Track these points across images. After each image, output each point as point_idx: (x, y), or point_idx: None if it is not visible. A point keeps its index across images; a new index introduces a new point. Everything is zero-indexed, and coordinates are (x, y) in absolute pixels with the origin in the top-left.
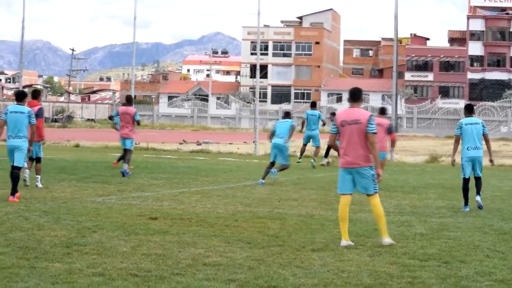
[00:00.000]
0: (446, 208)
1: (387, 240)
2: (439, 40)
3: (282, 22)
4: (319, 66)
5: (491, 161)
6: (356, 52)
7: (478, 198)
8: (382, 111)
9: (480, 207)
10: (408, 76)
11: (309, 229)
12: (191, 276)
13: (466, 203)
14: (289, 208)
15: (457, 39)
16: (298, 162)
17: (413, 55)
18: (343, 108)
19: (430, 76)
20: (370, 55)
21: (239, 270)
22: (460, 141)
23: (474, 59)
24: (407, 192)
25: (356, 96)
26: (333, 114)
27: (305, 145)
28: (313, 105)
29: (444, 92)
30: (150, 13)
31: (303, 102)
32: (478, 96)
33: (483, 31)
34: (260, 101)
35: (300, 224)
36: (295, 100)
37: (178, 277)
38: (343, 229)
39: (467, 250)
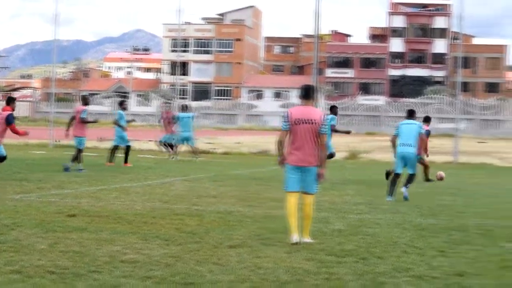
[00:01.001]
0: (365, 205)
1: (306, 240)
2: (360, 37)
3: (203, 19)
4: (240, 63)
5: (418, 155)
6: (277, 49)
7: (403, 189)
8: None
9: (405, 197)
10: (328, 72)
11: (226, 225)
12: (108, 273)
13: (390, 194)
14: (207, 205)
15: (378, 36)
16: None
17: (333, 52)
18: (264, 104)
19: (350, 73)
20: (291, 52)
21: (156, 267)
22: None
23: (395, 56)
24: (326, 188)
25: (309, 93)
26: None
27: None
28: (185, 108)
29: (365, 89)
30: (72, 10)
31: (224, 99)
32: (399, 93)
33: (404, 27)
34: (180, 98)
35: (218, 220)
36: (216, 97)
37: (95, 274)
38: (292, 224)
39: (385, 246)
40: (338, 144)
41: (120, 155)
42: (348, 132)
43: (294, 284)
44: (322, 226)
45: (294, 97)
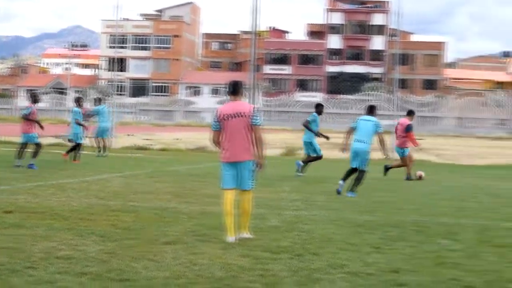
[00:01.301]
0: (301, 201)
1: (245, 235)
2: (298, 34)
3: (141, 15)
4: (177, 60)
5: (385, 155)
6: (215, 46)
7: (341, 182)
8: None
9: (338, 191)
10: (266, 69)
11: (162, 222)
12: (43, 269)
13: (343, 179)
14: (143, 201)
15: (316, 33)
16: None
17: (271, 48)
18: (201, 101)
19: (288, 70)
20: (229, 48)
21: (92, 263)
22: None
23: (333, 53)
24: (263, 185)
25: (236, 89)
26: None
27: (97, 138)
28: (98, 101)
29: (302, 85)
30: (12, 6)
31: (162, 95)
32: (336, 89)
33: (342, 24)
34: (118, 94)
35: (154, 217)
36: (154, 94)
37: (31, 270)
38: (229, 225)
39: (320, 242)
40: (275, 140)
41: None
42: (327, 138)
43: (229, 280)
44: (258, 223)
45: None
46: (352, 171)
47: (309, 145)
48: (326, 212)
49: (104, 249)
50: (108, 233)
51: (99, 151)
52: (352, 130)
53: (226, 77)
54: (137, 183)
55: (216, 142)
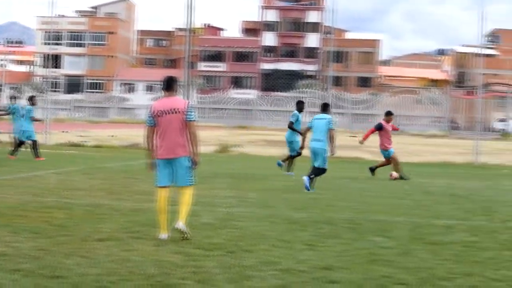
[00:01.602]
0: (234, 198)
1: (181, 224)
2: (233, 31)
3: (76, 12)
4: (112, 56)
5: (332, 153)
6: (149, 42)
7: (305, 177)
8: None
9: (306, 187)
10: (201, 66)
11: (95, 218)
12: None
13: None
14: (77, 198)
15: (251, 30)
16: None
17: (206, 45)
18: (136, 97)
19: (223, 67)
20: (164, 45)
21: (25, 260)
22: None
23: (267, 50)
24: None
25: (170, 84)
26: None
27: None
28: (14, 98)
29: (237, 83)
30: None
31: (96, 92)
32: (271, 87)
33: (277, 21)
34: (53, 91)
35: (87, 213)
36: (88, 90)
37: None
38: (162, 222)
39: (253, 239)
40: (210, 137)
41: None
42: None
43: (161, 277)
44: (191, 220)
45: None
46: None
47: (289, 144)
48: (259, 209)
49: (37, 245)
50: (41, 229)
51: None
52: (308, 130)
53: (160, 74)
54: (71, 180)
55: (150, 138)
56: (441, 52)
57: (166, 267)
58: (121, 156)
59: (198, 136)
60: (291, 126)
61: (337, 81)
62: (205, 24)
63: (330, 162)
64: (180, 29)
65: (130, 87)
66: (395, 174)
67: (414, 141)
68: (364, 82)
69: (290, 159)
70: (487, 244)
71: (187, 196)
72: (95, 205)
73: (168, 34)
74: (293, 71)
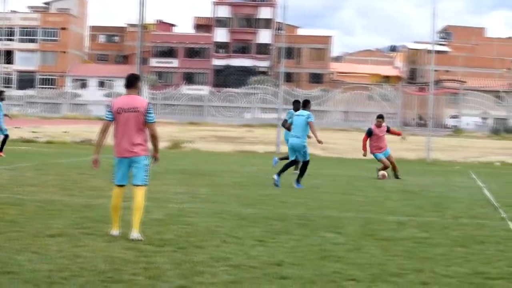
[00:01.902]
0: (185, 194)
1: (136, 234)
2: (185, 27)
3: (29, 7)
4: (64, 52)
5: (318, 141)
6: (101, 38)
7: (276, 176)
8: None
9: (276, 185)
10: (153, 62)
11: (47, 214)
12: None
13: (279, 173)
14: (29, 194)
15: (203, 26)
16: None
17: (158, 41)
18: (88, 93)
19: (175, 63)
20: (116, 41)
21: None
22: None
23: (219, 46)
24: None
25: (132, 82)
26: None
27: None
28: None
29: (189, 79)
30: None
31: (48, 88)
32: (223, 83)
33: (229, 17)
34: (5, 86)
35: (39, 209)
36: (40, 86)
37: None
38: (114, 219)
39: (204, 235)
40: (161, 133)
41: None
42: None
43: (112, 273)
44: (142, 216)
45: (118, 86)
46: (292, 163)
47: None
48: (210, 205)
49: None
50: None
51: None
52: (290, 126)
53: (112, 70)
54: (23, 175)
55: (102, 132)
56: (393, 49)
57: (117, 263)
58: (73, 152)
59: (158, 135)
60: (285, 125)
61: (289, 77)
62: (157, 20)
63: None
64: (132, 25)
65: (82, 83)
66: (382, 173)
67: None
68: (316, 79)
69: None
70: (438, 240)
71: (139, 199)
72: (47, 201)
73: (120, 30)
74: (245, 67)
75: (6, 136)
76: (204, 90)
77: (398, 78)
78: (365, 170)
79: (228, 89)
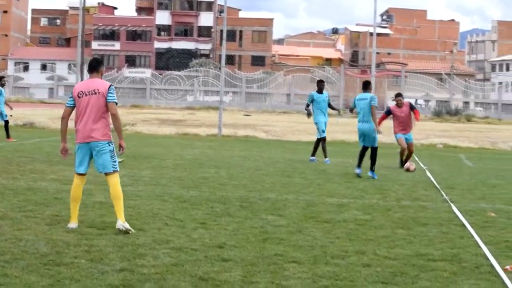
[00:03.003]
0: (127, 177)
1: (121, 223)
2: (127, 10)
3: None
4: (6, 35)
5: (378, 131)
6: (44, 21)
7: (358, 170)
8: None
9: (358, 176)
10: (95, 45)
11: None
12: None
13: (358, 166)
14: None
15: (145, 9)
16: None
17: (100, 24)
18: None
19: (117, 45)
20: (58, 24)
21: None
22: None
23: (161, 29)
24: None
25: (93, 66)
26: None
27: None
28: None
29: (131, 61)
30: None
31: None
32: (165, 65)
33: (171, 0)
34: None
35: None
36: None
37: None
38: (73, 210)
39: (146, 218)
40: None
41: None
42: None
43: (54, 256)
44: (85, 199)
45: (60, 69)
46: (364, 150)
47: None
48: (152, 187)
49: None
50: None
51: None
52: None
53: (55, 53)
54: None
55: (65, 119)
56: (335, 31)
57: (59, 246)
58: (15, 135)
59: (119, 118)
60: (307, 109)
61: (231, 60)
62: (99, 3)
63: (223, 140)
64: (74, 8)
65: (24, 66)
66: (407, 165)
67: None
68: (258, 61)
69: (316, 146)
70: (380, 222)
71: (116, 188)
72: None
73: (62, 12)
74: (187, 50)
75: (7, 122)
76: (146, 73)
77: (340, 61)
78: (305, 152)
79: (170, 72)
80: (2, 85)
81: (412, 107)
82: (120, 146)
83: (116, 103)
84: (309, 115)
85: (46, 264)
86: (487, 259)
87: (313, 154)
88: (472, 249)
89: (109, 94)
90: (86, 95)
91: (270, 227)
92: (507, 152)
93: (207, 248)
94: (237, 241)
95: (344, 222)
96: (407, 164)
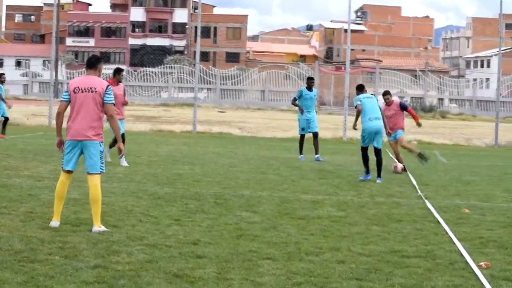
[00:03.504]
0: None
1: (96, 228)
2: (102, 6)
3: None
4: None
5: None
6: (18, 17)
7: (367, 176)
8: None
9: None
10: (69, 41)
11: None
12: None
13: (367, 172)
14: None
15: (120, 5)
16: None
17: (74, 20)
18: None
19: (91, 42)
20: (32, 20)
21: None
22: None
23: (135, 25)
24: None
25: (92, 63)
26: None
27: None
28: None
29: (105, 58)
30: None
31: None
32: (139, 62)
33: None
34: None
35: None
36: None
37: None
38: (57, 208)
39: (120, 215)
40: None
41: None
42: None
43: (28, 252)
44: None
45: (35, 65)
46: (366, 152)
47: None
48: (127, 184)
49: None
50: None
51: None
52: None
53: (29, 49)
54: None
55: (61, 113)
56: (310, 28)
57: (33, 243)
58: None
59: (116, 120)
60: (294, 103)
61: (206, 57)
62: (73, 0)
63: (197, 137)
64: (49, 5)
65: None
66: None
67: (283, 116)
68: (233, 58)
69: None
70: (354, 219)
71: (96, 190)
72: None
73: (36, 9)
74: (161, 46)
75: (7, 119)
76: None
77: (314, 57)
78: (279, 149)
79: (144, 68)
80: (2, 82)
81: (403, 107)
82: (120, 150)
83: (114, 104)
84: (301, 110)
85: (20, 260)
86: (462, 255)
87: (300, 152)
88: (447, 245)
89: (106, 95)
90: (82, 91)
91: (245, 224)
92: (481, 148)
93: (181, 244)
94: (211, 237)
95: (318, 219)
96: (398, 166)
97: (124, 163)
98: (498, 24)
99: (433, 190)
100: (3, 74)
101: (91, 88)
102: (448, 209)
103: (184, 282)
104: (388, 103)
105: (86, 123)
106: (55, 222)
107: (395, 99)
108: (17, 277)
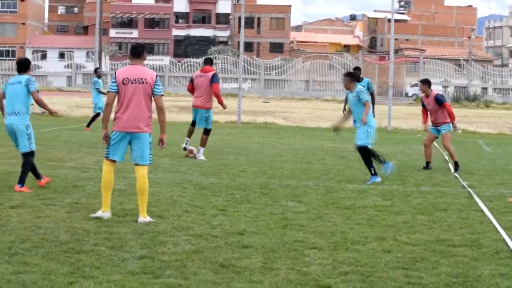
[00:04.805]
0: None
1: (143, 219)
2: None
3: None
4: (24, 24)
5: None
6: (61, 9)
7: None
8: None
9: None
10: (113, 33)
11: (7, 186)
12: None
13: (385, 161)
14: None
15: None
16: None
17: (117, 12)
18: (48, 65)
19: (135, 33)
20: (75, 12)
21: None
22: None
23: (179, 16)
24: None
25: (137, 52)
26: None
27: None
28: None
29: (149, 49)
30: None
31: (8, 59)
32: (183, 53)
33: None
34: None
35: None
36: (0, 58)
37: None
38: (105, 199)
39: (165, 205)
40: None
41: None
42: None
43: (74, 243)
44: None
45: (78, 57)
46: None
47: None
48: (172, 175)
49: None
50: None
51: None
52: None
53: (73, 41)
54: None
55: (110, 105)
56: (353, 18)
57: (79, 234)
58: (34, 124)
59: (165, 112)
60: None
61: (249, 47)
62: None
63: (243, 127)
64: None
65: (42, 55)
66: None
67: (327, 106)
68: (276, 48)
69: None
70: (400, 208)
71: (144, 181)
72: (7, 172)
73: (79, 1)
74: (205, 37)
75: (98, 114)
76: (164, 60)
77: (358, 47)
78: (324, 139)
79: (188, 59)
80: (99, 76)
81: (438, 101)
82: (161, 140)
83: (162, 95)
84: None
85: (66, 251)
86: (507, 244)
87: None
88: (492, 234)
89: (156, 86)
90: (132, 83)
91: (290, 214)
92: None
93: (227, 234)
94: (257, 227)
95: (364, 208)
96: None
97: (201, 157)
98: None
99: (478, 179)
100: (98, 68)
101: (141, 79)
102: (493, 198)
103: (230, 272)
104: (426, 94)
105: (137, 114)
106: (106, 213)
107: (434, 90)
108: (63, 268)
